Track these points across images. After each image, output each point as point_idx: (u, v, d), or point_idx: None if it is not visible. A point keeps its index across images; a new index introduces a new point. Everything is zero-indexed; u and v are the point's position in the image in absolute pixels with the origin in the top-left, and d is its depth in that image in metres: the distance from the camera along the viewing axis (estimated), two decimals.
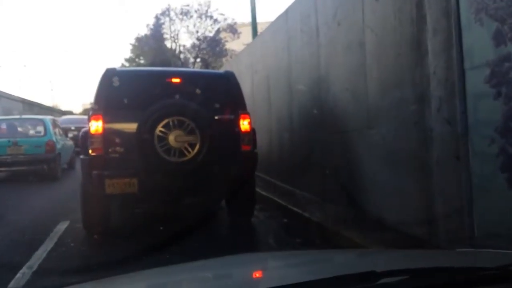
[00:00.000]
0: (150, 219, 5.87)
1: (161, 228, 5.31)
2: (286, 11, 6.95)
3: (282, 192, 7.11)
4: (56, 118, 15.56)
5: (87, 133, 5.04)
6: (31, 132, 11.53)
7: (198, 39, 32.73)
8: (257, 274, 1.73)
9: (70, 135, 13.92)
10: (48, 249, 4.59)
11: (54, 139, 11.10)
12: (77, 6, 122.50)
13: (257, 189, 6.30)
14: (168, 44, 32.98)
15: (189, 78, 5.73)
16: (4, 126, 11.43)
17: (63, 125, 14.82)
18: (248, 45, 10.65)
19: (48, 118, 12.67)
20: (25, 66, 69.65)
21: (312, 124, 6.37)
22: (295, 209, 5.88)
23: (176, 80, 5.43)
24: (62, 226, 5.46)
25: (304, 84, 6.49)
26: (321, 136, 6.06)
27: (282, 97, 7.63)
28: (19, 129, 11.47)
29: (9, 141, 10.46)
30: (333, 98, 5.62)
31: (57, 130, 11.95)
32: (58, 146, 11.22)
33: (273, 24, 7.86)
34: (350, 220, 4.81)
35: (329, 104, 5.75)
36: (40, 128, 11.28)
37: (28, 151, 10.49)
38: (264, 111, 8.69)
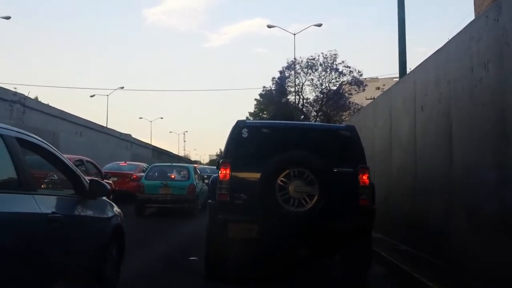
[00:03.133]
0: (265, 265, 6.04)
1: (275, 275, 5.49)
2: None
3: None
4: (197, 166, 19.12)
5: (217, 180, 5.43)
6: (178, 176, 14.10)
7: (321, 92, 34.15)
8: None
9: (206, 181, 15.73)
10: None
11: (194, 183, 13.48)
12: (210, 67, 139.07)
13: None
14: (291, 97, 34.16)
15: (311, 131, 6.05)
16: (157, 170, 14.46)
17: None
18: (408, 74, 8.18)
19: (191, 166, 15.71)
20: (161, 118, 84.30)
21: None
22: None
23: (299, 133, 5.79)
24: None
25: None
26: None
27: (480, 141, 4.83)
28: (168, 173, 14.11)
29: (161, 183, 13.20)
30: None
31: (196, 176, 14.41)
32: (197, 189, 13.50)
33: (464, 32, 5.30)
34: None
35: None
36: (185, 174, 13.92)
37: (174, 192, 13.07)
38: (435, 162, 6.08)
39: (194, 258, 6.52)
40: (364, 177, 5.24)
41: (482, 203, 4.85)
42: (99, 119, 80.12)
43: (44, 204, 3.27)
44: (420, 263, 5.87)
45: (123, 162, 20.09)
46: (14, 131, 3.27)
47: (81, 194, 4.02)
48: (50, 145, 3.81)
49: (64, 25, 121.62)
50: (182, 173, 14.20)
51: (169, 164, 16.92)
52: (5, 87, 20.35)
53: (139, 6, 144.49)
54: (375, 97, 11.49)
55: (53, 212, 3.34)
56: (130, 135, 39.55)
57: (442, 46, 6.02)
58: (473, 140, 5.05)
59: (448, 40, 5.85)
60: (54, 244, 3.34)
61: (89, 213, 4.15)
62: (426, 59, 6.63)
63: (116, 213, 4.76)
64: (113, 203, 4.86)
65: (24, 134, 3.40)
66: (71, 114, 26.78)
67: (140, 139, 44.37)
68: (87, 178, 4.31)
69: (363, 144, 5.82)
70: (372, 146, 9.07)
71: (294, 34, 31.60)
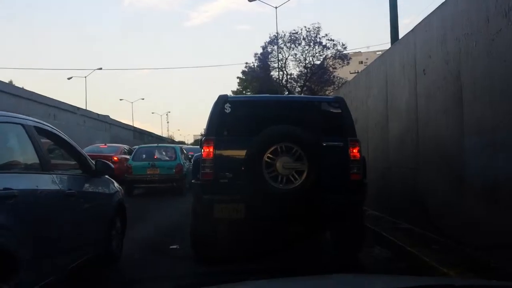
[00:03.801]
0: (253, 244, 5.62)
1: (264, 254, 5.00)
2: None
3: None
4: (183, 146, 18.85)
5: (199, 159, 5.16)
6: (165, 157, 14.20)
7: (305, 67, 33.40)
8: None
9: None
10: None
11: (181, 163, 13.83)
12: (191, 47, 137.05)
13: None
14: (274, 73, 33.46)
15: (298, 104, 5.74)
16: (144, 152, 14.54)
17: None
18: (406, 35, 6.96)
19: (177, 146, 15.95)
20: (143, 99, 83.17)
21: None
22: None
23: (284, 106, 5.49)
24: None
25: None
26: None
27: (500, 102, 4.24)
28: (155, 154, 14.29)
29: (149, 164, 13.39)
30: None
31: (183, 155, 14.47)
32: (184, 169, 13.72)
33: None
34: None
35: None
36: (171, 154, 14.28)
37: (162, 172, 13.29)
38: (442, 131, 5.51)
39: (175, 246, 6.11)
40: (354, 151, 5.05)
41: (499, 171, 4.29)
42: (78, 102, 78.59)
43: (61, 182, 3.78)
44: (426, 244, 5.34)
45: (103, 144, 19.72)
46: (32, 120, 3.71)
47: (88, 173, 4.53)
48: (61, 132, 4.28)
49: (41, 6, 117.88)
50: (169, 153, 14.36)
51: (156, 145, 16.91)
52: None
53: None
54: (359, 71, 10.78)
55: (69, 189, 3.85)
56: (108, 116, 38.81)
57: (430, 14, 5.34)
58: (491, 102, 4.40)
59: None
60: (71, 216, 3.84)
61: (97, 189, 4.74)
62: (427, 16, 5.88)
63: (118, 189, 5.31)
64: (114, 180, 5.32)
65: (40, 123, 3.86)
66: (43, 96, 25.63)
67: (123, 121, 43.60)
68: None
69: (355, 117, 5.40)
70: (366, 118, 8.54)
71: (276, 7, 31.00)
